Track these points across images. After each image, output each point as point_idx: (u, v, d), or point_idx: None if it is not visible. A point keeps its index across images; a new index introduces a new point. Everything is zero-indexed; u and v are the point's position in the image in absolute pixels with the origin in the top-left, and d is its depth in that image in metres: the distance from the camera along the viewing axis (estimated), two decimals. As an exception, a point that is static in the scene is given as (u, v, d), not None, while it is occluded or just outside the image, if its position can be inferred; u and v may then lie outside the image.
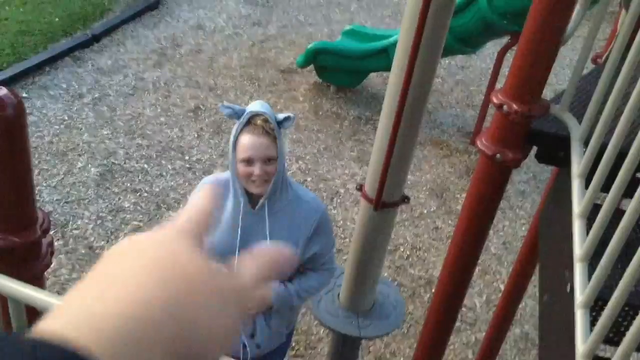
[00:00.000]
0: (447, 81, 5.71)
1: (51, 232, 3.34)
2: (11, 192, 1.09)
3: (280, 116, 1.70)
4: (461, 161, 4.57)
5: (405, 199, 1.97)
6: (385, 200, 1.85)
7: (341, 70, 5.11)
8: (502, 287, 3.43)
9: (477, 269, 3.66)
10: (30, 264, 1.17)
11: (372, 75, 5.32)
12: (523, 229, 3.97)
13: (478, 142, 1.52)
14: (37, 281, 1.18)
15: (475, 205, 1.62)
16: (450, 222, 3.96)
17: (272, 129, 1.66)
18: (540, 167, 4.30)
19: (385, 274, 3.47)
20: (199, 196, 0.42)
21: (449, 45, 4.40)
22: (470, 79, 5.80)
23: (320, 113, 4.96)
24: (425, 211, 4.06)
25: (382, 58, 4.89)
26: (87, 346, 0.28)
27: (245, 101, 4.95)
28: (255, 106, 1.71)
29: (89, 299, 0.32)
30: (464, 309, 3.41)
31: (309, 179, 4.20)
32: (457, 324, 3.31)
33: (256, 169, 1.67)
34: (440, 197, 4.20)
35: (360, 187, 1.97)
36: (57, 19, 5.62)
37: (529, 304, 3.46)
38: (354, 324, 2.14)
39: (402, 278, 3.54)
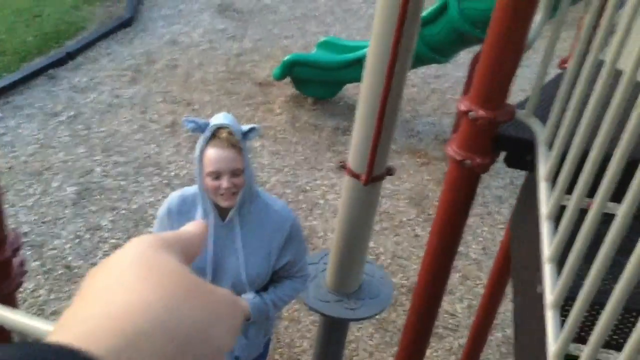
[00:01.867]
0: (423, 90, 5.78)
1: (28, 253, 3.29)
2: (-22, 213, 1.08)
3: (245, 127, 1.71)
4: (439, 169, 4.62)
5: (389, 171, 1.98)
6: (374, 174, 1.87)
7: (317, 82, 5.14)
8: (482, 292, 3.45)
9: (457, 275, 3.69)
10: (1, 284, 1.15)
11: (348, 86, 5.36)
12: (501, 234, 4.01)
13: (448, 148, 1.55)
14: (9, 301, 1.16)
15: (447, 211, 1.64)
16: (430, 229, 3.98)
17: (237, 141, 1.67)
18: (517, 172, 4.36)
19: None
20: (192, 224, 0.42)
21: (422, 54, 4.51)
22: (446, 87, 5.87)
23: (298, 125, 4.98)
24: (404, 219, 4.08)
25: (357, 69, 4.91)
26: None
27: (223, 115, 4.95)
28: (219, 119, 1.71)
29: (85, 314, 0.31)
30: (445, 315, 3.43)
31: (288, 191, 4.21)
32: (440, 330, 3.33)
33: (224, 182, 1.67)
34: (420, 205, 4.23)
35: (343, 165, 1.98)
36: (30, 38, 5.59)
37: (510, 307, 3.49)
38: (345, 306, 2.13)
39: (383, 286, 3.54)
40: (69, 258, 3.40)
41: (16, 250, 1.16)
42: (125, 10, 6.31)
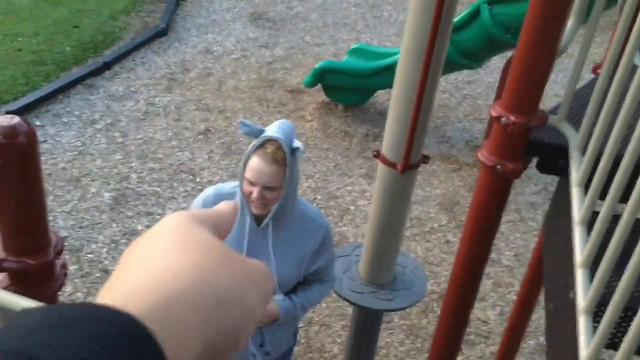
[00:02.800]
0: (455, 96, 5.75)
1: (66, 257, 3.39)
2: (25, 216, 1.13)
3: (295, 144, 1.72)
4: (470, 175, 4.58)
5: (425, 159, 1.97)
6: (410, 162, 1.86)
7: (348, 89, 5.17)
8: (515, 299, 3.42)
9: (489, 282, 3.65)
10: (44, 286, 1.20)
11: (379, 92, 5.37)
12: (534, 240, 3.96)
13: (479, 154, 1.55)
14: (51, 302, 1.21)
15: (479, 217, 1.64)
16: (461, 235, 3.96)
17: (282, 158, 1.68)
18: (551, 178, 4.30)
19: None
20: (223, 204, 0.43)
21: (454, 60, 4.49)
22: (478, 93, 5.83)
23: (329, 131, 5.01)
24: (435, 225, 4.07)
25: (388, 75, 4.92)
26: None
27: (254, 122, 5.01)
28: (272, 129, 1.72)
29: (124, 280, 0.32)
30: (477, 322, 3.40)
31: (319, 197, 4.23)
32: (472, 337, 3.30)
33: (255, 192, 1.71)
34: (451, 211, 4.21)
35: (377, 154, 1.97)
36: (68, 48, 5.75)
37: (543, 315, 3.44)
38: (380, 297, 2.12)
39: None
40: (106, 262, 3.49)
41: (58, 253, 1.21)
42: (160, 20, 6.44)
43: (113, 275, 0.34)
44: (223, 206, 0.43)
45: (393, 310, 2.21)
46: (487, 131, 4.70)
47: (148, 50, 5.95)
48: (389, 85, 5.18)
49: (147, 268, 0.33)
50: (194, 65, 5.81)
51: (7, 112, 4.60)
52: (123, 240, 3.67)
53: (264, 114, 5.16)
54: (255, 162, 1.69)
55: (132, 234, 3.72)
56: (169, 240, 0.35)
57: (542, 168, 1.53)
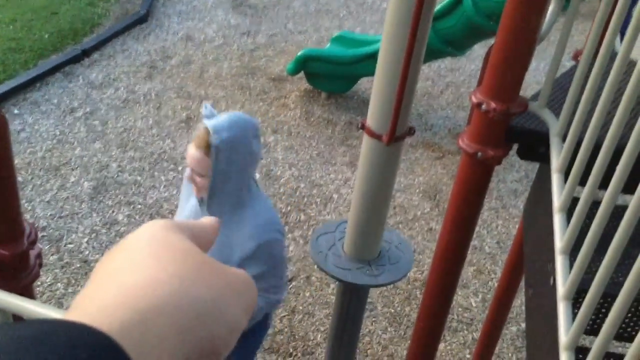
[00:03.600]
0: (437, 84, 5.75)
1: (46, 247, 3.34)
2: (-3, 205, 1.10)
3: (226, 137, 1.68)
4: (453, 162, 4.60)
5: (410, 130, 1.95)
6: (397, 134, 1.83)
7: (331, 77, 5.14)
8: (497, 285, 3.44)
9: (471, 269, 3.68)
10: (18, 276, 1.18)
11: (362, 80, 5.35)
12: (516, 227, 3.99)
13: (460, 141, 1.54)
14: (27, 293, 1.19)
15: (460, 204, 1.64)
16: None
17: (206, 146, 1.67)
18: (533, 165, 4.33)
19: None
20: (206, 219, 0.42)
21: (436, 48, 4.48)
22: (460, 81, 5.84)
23: (312, 119, 4.98)
24: (419, 213, 4.08)
25: (371, 63, 4.90)
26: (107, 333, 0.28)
27: (236, 109, 4.97)
28: (213, 119, 1.70)
29: (97, 294, 0.31)
30: (459, 309, 3.43)
31: (302, 185, 4.22)
32: (454, 324, 3.32)
33: (186, 172, 1.83)
34: (434, 199, 4.22)
35: (362, 126, 1.94)
36: (46, 35, 5.65)
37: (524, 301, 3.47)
38: (367, 273, 2.10)
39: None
40: (86, 252, 3.45)
41: (32, 242, 1.18)
42: (140, 7, 6.35)
43: (85, 289, 0.32)
44: (205, 220, 0.42)
45: (380, 285, 2.19)
46: (469, 119, 4.72)
47: (128, 37, 5.86)
48: (371, 72, 5.14)
49: (121, 281, 0.32)
50: (175, 52, 5.74)
51: (-17, 100, 4.51)
52: (103, 230, 3.63)
53: (247, 101, 5.12)
54: (189, 146, 1.77)
55: (112, 224, 3.68)
56: (145, 250, 0.34)
57: (523, 155, 1.53)
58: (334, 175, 4.37)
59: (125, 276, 0.32)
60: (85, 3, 6.32)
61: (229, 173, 1.73)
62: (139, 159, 4.27)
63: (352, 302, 2.20)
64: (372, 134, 1.86)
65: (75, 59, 5.33)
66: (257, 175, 4.25)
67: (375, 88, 1.83)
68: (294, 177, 4.30)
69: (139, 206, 3.86)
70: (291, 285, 3.41)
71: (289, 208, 4.00)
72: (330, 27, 6.65)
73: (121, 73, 5.28)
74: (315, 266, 3.53)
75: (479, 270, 3.69)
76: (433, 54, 4.59)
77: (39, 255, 1.23)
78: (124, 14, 6.24)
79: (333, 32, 5.75)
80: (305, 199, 4.10)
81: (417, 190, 4.29)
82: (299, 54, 5.14)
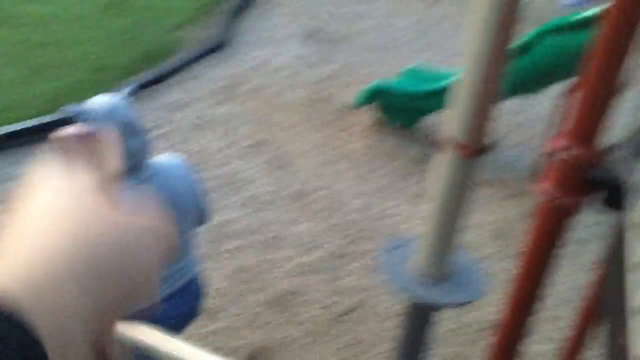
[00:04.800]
0: (509, 122, 5.67)
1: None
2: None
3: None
4: (524, 203, 4.49)
5: (492, 145, 1.88)
6: (477, 146, 1.77)
7: (401, 109, 5.16)
8: (567, 334, 3.31)
9: (542, 316, 3.55)
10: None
11: (431, 114, 5.34)
12: (585, 277, 3.84)
13: (536, 186, 1.51)
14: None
15: (534, 251, 1.59)
16: (512, 265, 3.88)
17: None
18: (607, 213, 4.18)
19: (450, 313, 3.42)
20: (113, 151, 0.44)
21: (511, 86, 4.43)
22: (532, 120, 5.73)
23: (377, 152, 5.00)
24: (486, 253, 3.99)
25: (442, 98, 4.91)
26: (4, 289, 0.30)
27: (304, 137, 5.05)
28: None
29: (5, 258, 0.33)
30: (529, 357, 3.30)
31: (367, 216, 4.21)
32: (520, 369, 3.20)
33: None
34: (502, 240, 4.12)
35: (439, 138, 1.88)
36: (129, 58, 5.93)
37: (592, 356, 3.32)
38: (437, 291, 2.03)
39: (465, 318, 3.46)
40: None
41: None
42: (217, 34, 6.59)
43: (2, 242, 0.34)
44: (101, 140, 0.44)
45: (450, 305, 2.10)
46: (542, 161, 4.61)
47: (204, 63, 6.08)
48: (442, 108, 5.16)
49: (28, 245, 0.33)
50: (248, 79, 5.91)
51: (70, 117, 4.75)
52: (173, 247, 3.72)
53: (314, 130, 5.20)
54: None
55: (182, 241, 3.77)
56: (53, 213, 0.36)
57: (603, 203, 1.47)
58: (400, 207, 4.35)
59: (32, 240, 0.34)
60: (167, 29, 6.62)
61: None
62: (211, 178, 4.38)
63: (419, 321, 2.14)
64: (450, 146, 1.81)
65: (154, 82, 5.57)
66: (323, 203, 4.28)
67: (457, 99, 1.79)
68: (359, 207, 4.30)
69: (209, 225, 3.93)
70: (353, 315, 3.38)
71: (353, 238, 3.99)
72: (401, 61, 6.69)
73: (197, 97, 5.47)
74: (378, 298, 3.50)
75: (549, 317, 3.56)
76: (508, 93, 4.54)
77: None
78: (202, 41, 6.48)
79: (405, 66, 5.78)
80: (370, 230, 4.09)
81: (486, 230, 4.20)
82: (369, 85, 5.18)
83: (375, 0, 8.80)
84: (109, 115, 1.85)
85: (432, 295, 2.00)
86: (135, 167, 1.93)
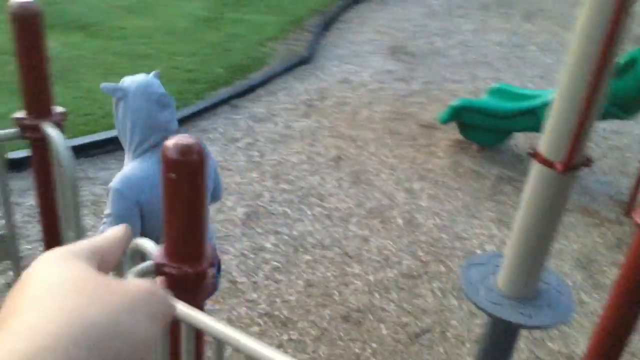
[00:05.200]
0: (600, 146, 5.41)
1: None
2: (188, 227, 1.22)
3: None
4: (612, 232, 4.26)
5: (588, 161, 1.79)
6: (573, 162, 1.69)
7: (485, 129, 5.05)
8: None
9: (626, 351, 3.34)
10: (194, 293, 1.29)
11: (517, 135, 5.19)
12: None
13: (635, 215, 1.44)
14: (198, 309, 1.29)
15: (628, 284, 1.51)
16: (596, 296, 3.69)
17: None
18: None
19: (522, 344, 3.29)
20: (113, 229, 0.45)
21: (604, 110, 4.22)
22: (625, 145, 5.44)
23: (460, 170, 4.91)
24: (569, 282, 3.81)
25: (529, 119, 4.77)
26: None
27: (384, 153, 5.05)
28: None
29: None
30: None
31: (444, 236, 4.15)
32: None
33: None
34: (587, 269, 3.93)
35: (532, 152, 1.82)
36: (219, 70, 6.18)
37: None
38: (520, 312, 1.97)
39: (539, 351, 3.33)
40: (234, 274, 3.65)
41: (211, 264, 1.29)
42: (304, 49, 6.74)
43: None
44: (112, 231, 0.44)
45: (534, 327, 2.02)
46: (635, 187, 4.36)
47: (290, 77, 6.23)
48: (528, 128, 5.00)
49: (15, 323, 0.33)
50: (332, 93, 5.99)
51: (161, 124, 5.02)
52: (251, 255, 3.83)
53: (395, 146, 5.18)
54: None
55: (259, 250, 3.88)
56: (37, 288, 0.35)
57: None
58: (478, 229, 4.25)
59: (18, 318, 0.33)
60: (256, 43, 6.84)
61: (124, 124, 2.16)
62: (290, 191, 4.48)
63: (500, 341, 2.07)
64: (544, 162, 1.74)
65: (242, 93, 5.77)
66: (400, 221, 4.26)
67: (553, 111, 1.73)
68: (436, 227, 4.24)
69: (285, 237, 4.02)
70: (425, 339, 3.33)
71: (429, 258, 3.94)
72: (487, 79, 6.55)
73: (281, 109, 5.61)
74: (452, 322, 3.43)
75: (632, 353, 3.35)
76: (600, 116, 4.34)
77: (213, 276, 1.33)
78: (288, 55, 6.65)
79: (490, 84, 5.66)
80: (447, 251, 4.02)
81: (569, 258, 4.02)
82: (453, 103, 5.12)
83: (464, 15, 8.68)
84: (143, 91, 2.08)
85: (516, 316, 1.94)
86: (165, 139, 2.08)
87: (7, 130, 1.77)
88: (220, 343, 0.99)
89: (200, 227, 1.26)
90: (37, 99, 1.71)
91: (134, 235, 2.16)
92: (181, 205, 1.22)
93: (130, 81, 2.12)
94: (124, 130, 2.17)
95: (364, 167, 4.85)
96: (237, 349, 0.91)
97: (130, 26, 6.87)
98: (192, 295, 1.25)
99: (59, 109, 1.79)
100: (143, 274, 1.23)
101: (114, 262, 0.42)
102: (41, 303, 0.34)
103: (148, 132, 2.13)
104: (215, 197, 2.50)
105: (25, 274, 0.37)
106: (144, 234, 2.19)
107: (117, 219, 2.12)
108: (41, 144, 1.74)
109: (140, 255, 1.35)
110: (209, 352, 2.18)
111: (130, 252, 1.44)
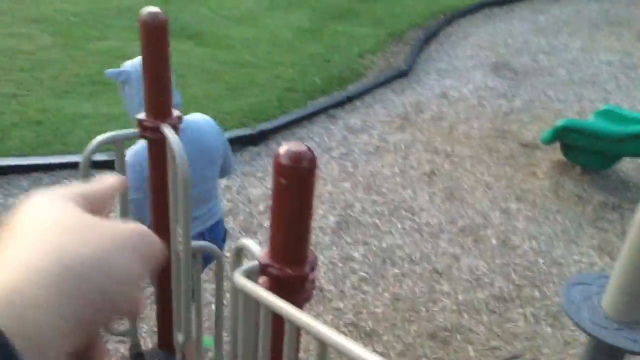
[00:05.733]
0: None
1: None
2: (295, 232, 1.27)
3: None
4: None
5: None
6: None
7: (590, 152, 4.81)
8: None
9: None
10: (295, 296, 1.33)
11: (625, 159, 4.91)
12: None
13: None
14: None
15: None
16: None
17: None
18: None
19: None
20: (105, 178, 0.45)
21: None
22: None
23: (561, 193, 4.71)
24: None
25: (639, 144, 4.51)
26: None
27: (481, 170, 4.94)
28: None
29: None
30: None
31: (540, 261, 3.99)
32: None
33: None
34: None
35: None
36: (318, 80, 6.31)
37: None
38: (626, 336, 1.88)
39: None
40: (322, 281, 3.71)
41: (312, 269, 1.33)
42: (403, 62, 6.73)
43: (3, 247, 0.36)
44: (105, 180, 0.45)
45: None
46: None
47: (387, 89, 6.25)
48: (638, 153, 4.71)
49: (5, 258, 0.34)
50: (429, 107, 5.94)
51: (261, 131, 5.19)
52: (340, 264, 3.86)
53: (493, 164, 5.05)
54: None
55: (348, 259, 3.91)
56: (25, 226, 0.36)
57: None
58: (577, 256, 4.05)
59: (9, 252, 0.34)
60: (355, 54, 6.92)
61: (132, 103, 2.32)
62: (381, 203, 4.48)
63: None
64: None
65: (339, 104, 5.85)
66: (494, 242, 4.14)
67: None
68: (532, 251, 4.09)
69: (374, 248, 4.03)
70: (514, 364, 3.22)
71: (523, 281, 3.80)
72: (595, 99, 6.25)
73: (377, 121, 5.63)
74: (544, 350, 3.29)
75: None
76: None
77: (313, 281, 1.37)
78: (387, 67, 6.68)
79: (597, 105, 5.40)
80: (542, 276, 3.86)
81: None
82: (558, 123, 4.92)
83: (572, 33, 8.34)
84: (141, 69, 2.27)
85: (621, 339, 1.85)
86: None
87: (129, 130, 1.92)
88: (324, 346, 1.02)
89: (305, 232, 1.31)
90: (159, 103, 1.83)
91: (140, 210, 2.33)
92: (289, 210, 1.27)
93: (131, 64, 2.29)
94: (133, 112, 2.33)
95: (458, 184, 4.76)
96: (341, 353, 0.94)
97: (236, 36, 7.17)
98: (293, 298, 1.30)
99: (176, 112, 1.91)
100: (249, 274, 1.29)
101: (105, 208, 0.43)
102: (27, 239, 0.35)
103: None
104: (224, 172, 2.62)
105: (15, 214, 0.38)
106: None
107: (132, 189, 2.28)
108: (159, 144, 1.86)
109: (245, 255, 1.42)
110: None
111: (235, 252, 1.51)
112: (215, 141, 2.47)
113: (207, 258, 2.54)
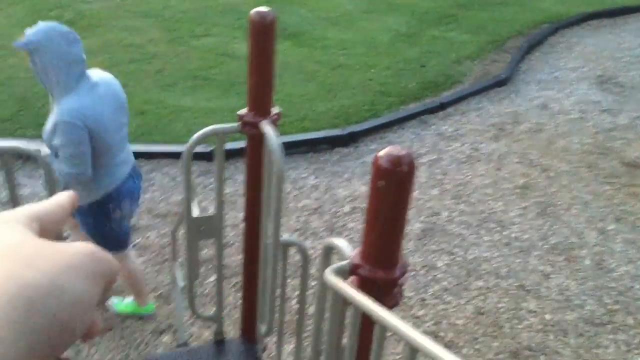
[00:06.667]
0: None
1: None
2: (388, 234, 1.28)
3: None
4: None
5: None
6: None
7: (703, 176, 4.47)
8: None
9: None
10: (382, 299, 1.34)
11: None
12: None
13: None
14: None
15: None
16: None
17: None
18: None
19: None
20: (60, 195, 0.44)
21: None
22: None
23: (666, 218, 4.40)
24: None
25: None
26: None
27: (578, 188, 4.72)
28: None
29: None
30: None
31: (637, 286, 3.76)
32: None
33: None
34: None
35: None
36: (412, 85, 6.25)
37: None
38: None
39: None
40: (403, 287, 3.68)
41: (402, 274, 1.33)
42: (502, 71, 6.54)
43: None
44: (57, 197, 0.44)
45: None
46: None
47: (484, 98, 6.09)
48: None
49: None
50: (526, 118, 5.74)
51: (351, 133, 5.23)
52: (422, 272, 3.82)
53: (592, 182, 4.81)
54: None
55: (430, 268, 3.86)
56: None
57: None
58: (680, 287, 3.78)
59: None
60: (452, 60, 6.80)
61: (45, 70, 2.40)
62: (469, 213, 4.38)
63: None
64: None
65: (432, 110, 5.77)
66: (588, 262, 3.94)
67: None
68: (629, 275, 3.86)
69: (459, 259, 3.95)
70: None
71: (616, 307, 3.60)
72: None
73: (470, 130, 5.51)
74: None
75: None
76: None
77: (400, 287, 1.37)
78: (484, 75, 6.51)
79: None
80: (638, 303, 3.63)
81: None
82: (667, 143, 4.61)
83: (691, 47, 7.76)
84: (50, 35, 2.35)
85: None
86: (83, 74, 2.49)
87: (230, 125, 2.00)
88: (414, 350, 1.02)
89: (399, 236, 1.31)
90: (261, 99, 1.90)
91: (86, 160, 2.51)
92: (384, 212, 1.28)
93: (34, 32, 2.38)
94: (47, 77, 2.44)
95: (552, 200, 4.57)
96: (430, 357, 0.94)
97: (333, 37, 7.25)
98: (380, 300, 1.31)
99: (276, 109, 1.97)
100: (339, 273, 1.32)
101: (56, 228, 0.42)
102: None
103: (68, 68, 2.43)
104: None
105: None
106: (96, 153, 2.54)
107: (71, 145, 2.46)
108: (257, 140, 1.93)
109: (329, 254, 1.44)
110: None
111: (324, 251, 1.54)
112: (122, 92, 2.72)
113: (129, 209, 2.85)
